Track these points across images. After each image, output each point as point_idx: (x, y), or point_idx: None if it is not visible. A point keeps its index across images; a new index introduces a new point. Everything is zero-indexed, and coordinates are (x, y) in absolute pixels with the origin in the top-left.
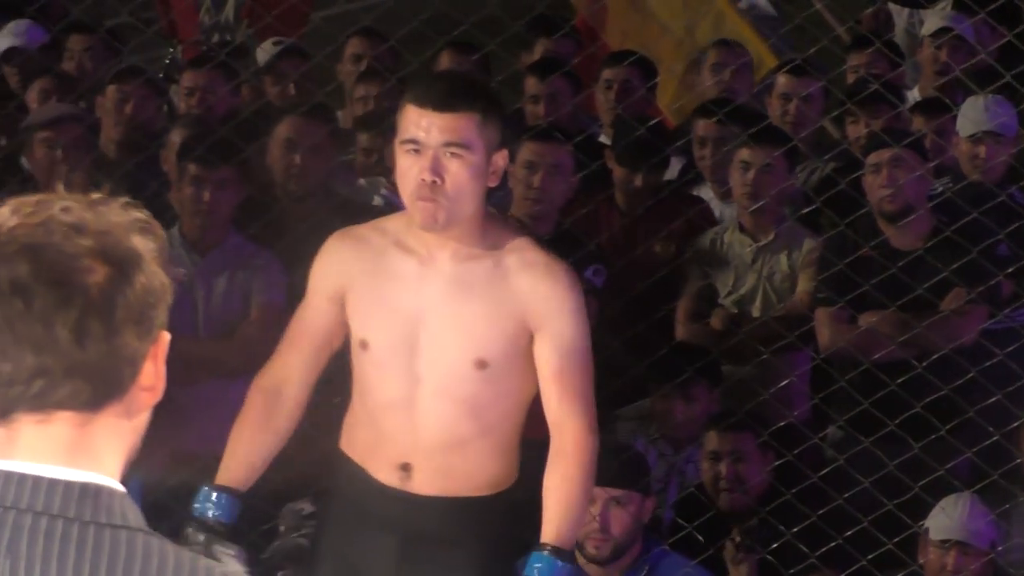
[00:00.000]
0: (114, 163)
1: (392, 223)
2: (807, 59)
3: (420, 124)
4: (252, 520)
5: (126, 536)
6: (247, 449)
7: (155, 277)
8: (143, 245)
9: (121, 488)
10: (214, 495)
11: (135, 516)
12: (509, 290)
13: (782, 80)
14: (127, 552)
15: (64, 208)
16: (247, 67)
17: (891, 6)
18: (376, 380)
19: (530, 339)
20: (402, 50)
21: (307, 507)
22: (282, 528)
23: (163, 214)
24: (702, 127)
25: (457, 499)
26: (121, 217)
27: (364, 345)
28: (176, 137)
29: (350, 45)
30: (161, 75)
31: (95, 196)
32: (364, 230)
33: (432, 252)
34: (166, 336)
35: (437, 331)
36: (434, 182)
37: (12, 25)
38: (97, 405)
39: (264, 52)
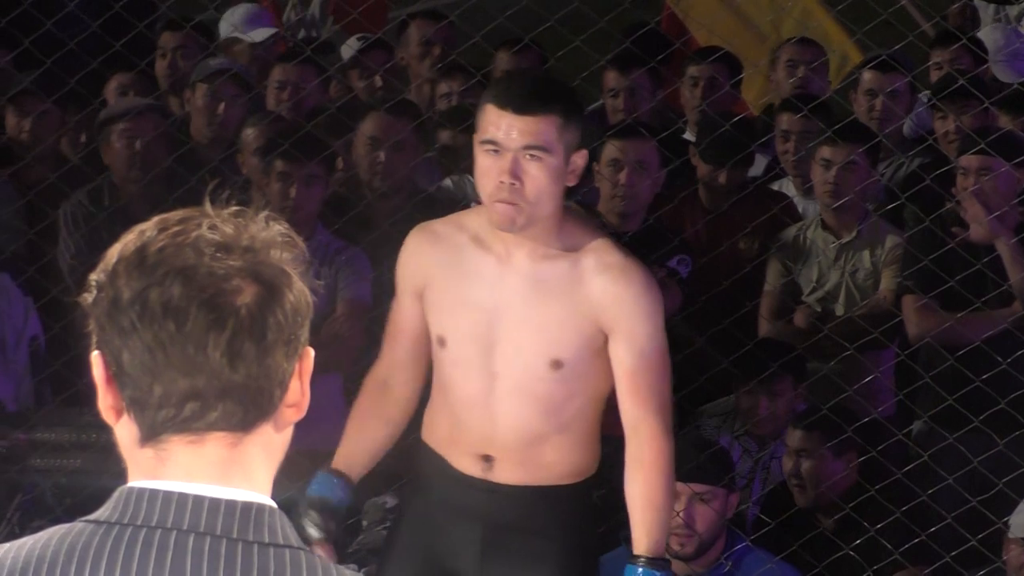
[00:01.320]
0: (205, 159)
1: (471, 219)
2: (893, 55)
3: (500, 126)
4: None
5: (290, 555)
6: (359, 437)
7: (301, 295)
8: (287, 261)
9: (274, 504)
10: (330, 479)
11: (294, 534)
12: (584, 291)
13: (868, 76)
14: (292, 572)
15: (211, 226)
16: (332, 63)
17: (977, 2)
18: (454, 376)
19: (604, 340)
20: (487, 47)
21: (390, 501)
22: (365, 523)
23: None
24: (785, 121)
25: (539, 488)
26: (265, 232)
27: (442, 342)
28: (250, 135)
29: (414, 27)
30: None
31: (235, 209)
32: (442, 225)
33: (510, 250)
34: (310, 352)
35: (513, 330)
36: (513, 184)
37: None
38: (248, 426)
39: (349, 48)
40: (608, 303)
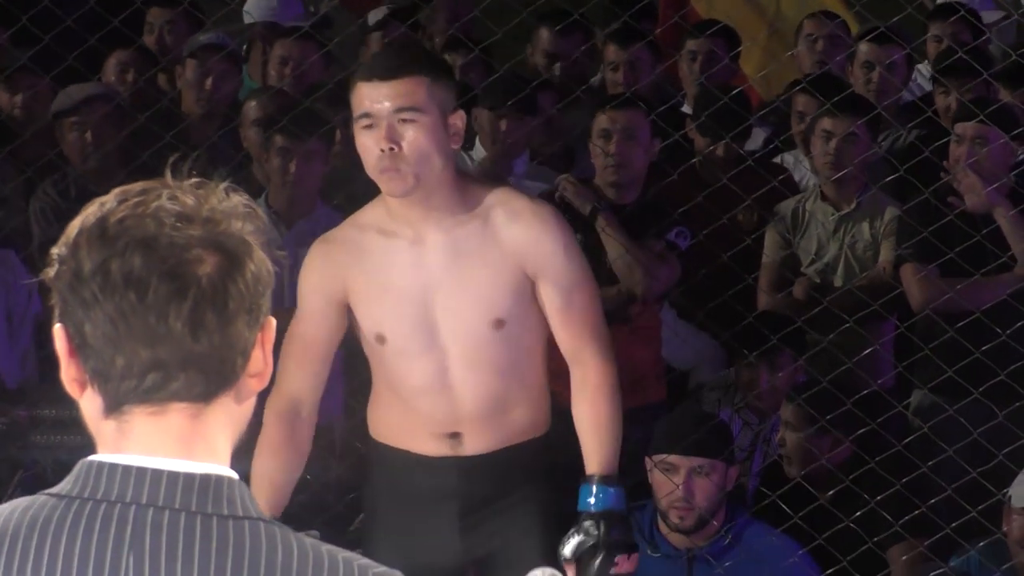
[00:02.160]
0: (197, 136)
1: (367, 215)
2: (890, 27)
3: (371, 96)
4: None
5: (249, 526)
6: (278, 476)
7: (262, 264)
8: (248, 231)
9: (235, 475)
10: None
11: (254, 505)
12: (503, 244)
13: (864, 48)
14: (252, 543)
15: (170, 196)
16: (331, 38)
17: None
18: (402, 368)
19: (534, 287)
20: (487, 22)
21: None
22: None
23: (246, 185)
24: (801, 103)
25: (506, 448)
26: (225, 203)
27: (381, 339)
28: (251, 109)
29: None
30: (245, 47)
31: (195, 181)
32: (344, 231)
33: (419, 230)
34: (272, 322)
35: (449, 305)
36: (392, 150)
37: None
38: (210, 396)
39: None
40: (527, 248)
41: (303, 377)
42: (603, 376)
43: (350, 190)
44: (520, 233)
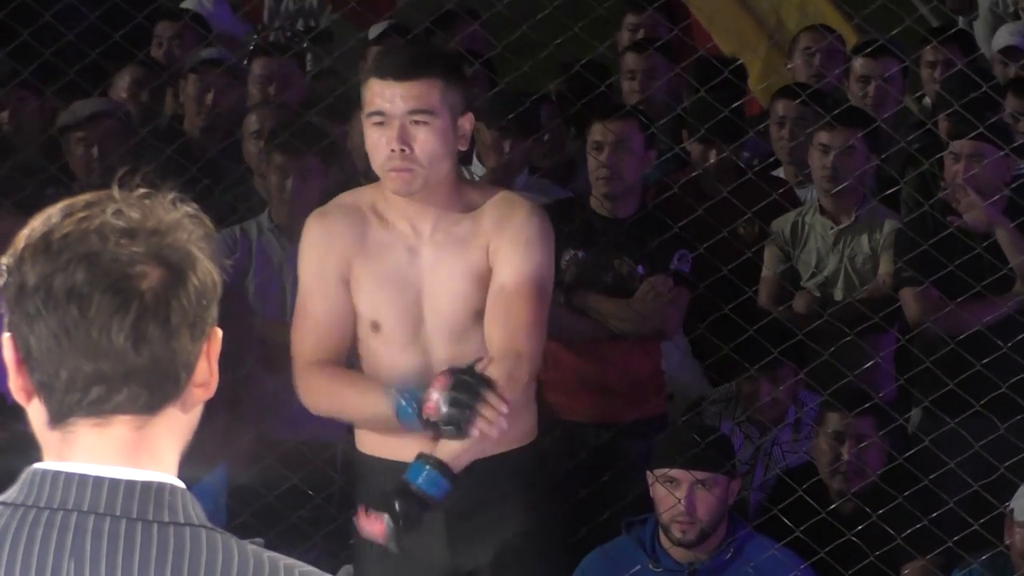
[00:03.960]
0: (199, 150)
1: (364, 196)
2: (887, 39)
3: (384, 95)
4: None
5: (190, 533)
6: (345, 375)
7: (208, 276)
8: (194, 242)
9: (181, 484)
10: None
11: (198, 512)
12: (480, 233)
13: (860, 62)
14: (192, 549)
15: (116, 211)
16: (330, 52)
17: None
18: (390, 358)
19: None
20: (487, 35)
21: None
22: None
23: (249, 198)
24: (781, 107)
25: (491, 458)
26: (172, 214)
27: (376, 327)
28: (252, 123)
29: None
30: (245, 62)
31: (143, 191)
32: (344, 205)
33: (415, 225)
34: (218, 333)
35: (436, 298)
36: (403, 151)
37: None
38: (154, 408)
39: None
40: (492, 231)
41: (322, 344)
42: (505, 378)
43: None
44: (493, 217)
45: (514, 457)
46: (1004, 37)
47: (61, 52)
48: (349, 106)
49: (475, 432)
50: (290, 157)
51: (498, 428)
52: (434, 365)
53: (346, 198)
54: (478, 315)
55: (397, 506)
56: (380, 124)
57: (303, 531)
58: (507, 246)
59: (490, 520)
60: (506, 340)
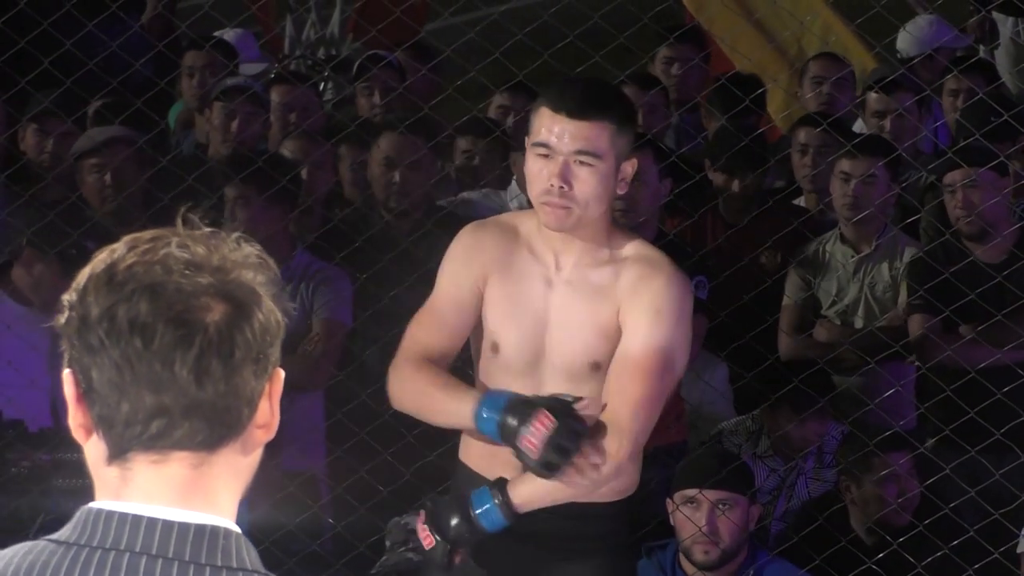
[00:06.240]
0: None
1: (523, 222)
2: (901, 72)
3: (553, 129)
4: (361, 534)
5: None
6: (442, 376)
7: (271, 315)
8: (259, 281)
9: (237, 529)
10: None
11: (252, 558)
12: (615, 288)
13: (874, 97)
14: None
15: (180, 244)
16: (351, 81)
17: (996, 15)
18: (502, 384)
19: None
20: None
21: (413, 520)
22: (388, 543)
23: None
24: (803, 135)
25: (584, 505)
26: (236, 253)
27: (496, 348)
28: (286, 151)
29: None
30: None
31: (208, 230)
32: (498, 225)
33: (560, 259)
34: (280, 374)
35: (559, 338)
36: (562, 188)
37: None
38: (214, 445)
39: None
40: (627, 291)
41: (434, 341)
42: (609, 458)
43: (368, 234)
44: (631, 276)
45: (612, 508)
46: None
47: (119, 85)
48: (370, 133)
49: (564, 478)
50: (247, 187)
51: (588, 483)
52: None
53: (505, 218)
54: (596, 365)
55: (452, 526)
56: (544, 156)
57: (326, 561)
58: (638, 312)
59: (572, 564)
60: (615, 413)
